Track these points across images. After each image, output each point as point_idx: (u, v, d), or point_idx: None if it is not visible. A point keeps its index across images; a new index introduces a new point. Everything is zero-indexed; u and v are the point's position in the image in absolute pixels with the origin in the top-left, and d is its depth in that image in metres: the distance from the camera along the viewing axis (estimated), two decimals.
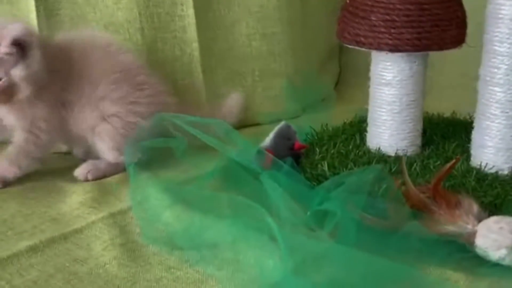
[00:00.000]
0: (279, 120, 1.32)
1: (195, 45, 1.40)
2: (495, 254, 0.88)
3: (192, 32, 1.39)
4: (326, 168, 1.10)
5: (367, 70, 1.18)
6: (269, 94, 1.50)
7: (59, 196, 1.10)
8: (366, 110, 1.22)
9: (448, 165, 1.03)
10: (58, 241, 0.97)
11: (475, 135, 1.11)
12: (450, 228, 0.92)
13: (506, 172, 1.07)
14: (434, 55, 1.14)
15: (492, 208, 0.97)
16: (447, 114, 1.34)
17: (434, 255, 0.89)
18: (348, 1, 1.13)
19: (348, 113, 1.39)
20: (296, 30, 1.53)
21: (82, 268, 0.91)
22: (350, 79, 1.70)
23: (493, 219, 0.92)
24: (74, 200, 1.08)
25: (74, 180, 1.16)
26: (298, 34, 1.54)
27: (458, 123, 1.27)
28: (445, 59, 1.31)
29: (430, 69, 1.39)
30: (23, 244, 0.95)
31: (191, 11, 1.38)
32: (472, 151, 1.12)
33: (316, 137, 1.24)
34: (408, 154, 1.15)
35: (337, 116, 1.39)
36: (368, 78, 1.18)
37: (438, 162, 1.10)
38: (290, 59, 1.52)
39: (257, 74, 1.49)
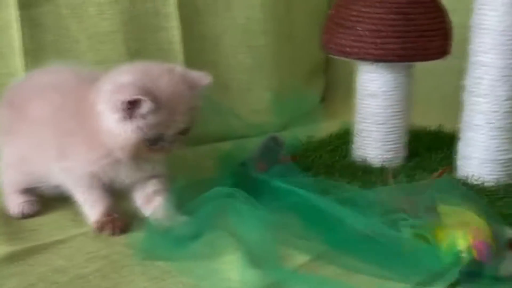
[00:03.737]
0: (264, 133, 1.32)
1: (180, 57, 1.39)
2: None
3: (177, 44, 1.39)
4: None
5: (353, 84, 1.19)
6: (255, 107, 1.49)
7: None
8: (351, 123, 1.22)
9: (436, 174, 1.03)
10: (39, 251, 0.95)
11: (460, 146, 1.11)
12: None
13: (492, 183, 1.07)
14: (422, 68, 1.14)
15: None
16: (434, 127, 1.34)
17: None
18: (333, 12, 1.14)
19: (334, 126, 1.39)
20: (281, 43, 1.53)
21: (63, 278, 0.89)
22: (335, 93, 1.70)
23: None
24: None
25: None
26: (284, 47, 1.54)
27: (444, 136, 1.28)
28: (433, 71, 1.31)
29: (419, 82, 1.40)
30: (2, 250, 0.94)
31: (176, 23, 1.38)
32: (458, 163, 1.12)
33: (301, 149, 1.24)
34: (393, 165, 1.14)
35: (322, 129, 1.39)
36: (353, 92, 1.18)
37: (424, 173, 1.10)
38: (276, 71, 1.52)
39: (243, 86, 1.48)
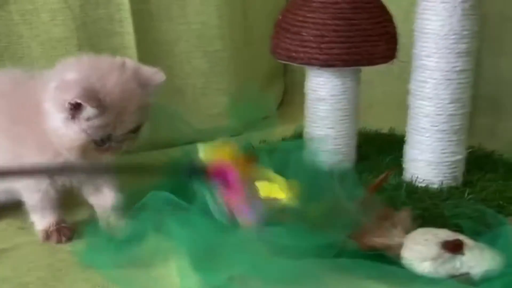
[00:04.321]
0: (220, 138, 1.32)
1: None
2: (420, 266, 0.88)
3: (131, 49, 1.38)
4: None
5: None
6: (210, 112, 1.49)
7: None
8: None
9: (380, 178, 1.04)
10: None
11: (407, 149, 1.12)
12: (378, 240, 0.92)
13: (436, 185, 1.08)
14: (376, 72, 1.15)
15: (420, 221, 0.97)
16: (386, 130, 1.35)
17: (360, 267, 0.88)
18: (280, 17, 1.14)
19: (290, 130, 1.40)
20: (238, 48, 1.53)
21: (4, 287, 0.89)
22: (295, 98, 1.71)
23: (420, 231, 0.92)
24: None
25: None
26: (240, 52, 1.55)
27: (394, 139, 1.28)
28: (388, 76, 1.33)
29: (371, 86, 1.42)
30: None
31: (130, 29, 1.37)
32: (405, 165, 1.13)
33: (253, 154, 1.24)
34: (343, 168, 1.15)
35: (279, 133, 1.39)
36: None
37: (371, 176, 1.10)
38: (233, 76, 1.52)
39: (199, 91, 1.48)
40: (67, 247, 0.99)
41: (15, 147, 0.98)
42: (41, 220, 1.01)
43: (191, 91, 1.47)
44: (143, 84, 0.95)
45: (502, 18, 1.36)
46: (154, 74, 0.97)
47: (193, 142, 1.34)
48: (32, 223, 1.02)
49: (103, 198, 1.02)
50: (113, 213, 1.00)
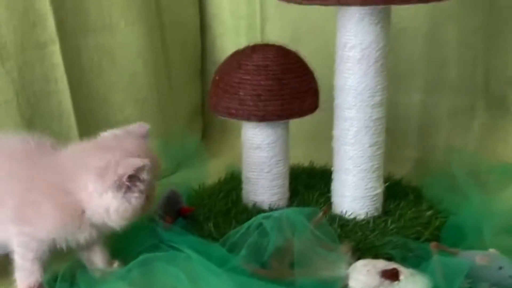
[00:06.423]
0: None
1: (72, 117, 1.47)
2: None
3: (67, 105, 1.46)
4: (212, 228, 1.22)
5: (228, 124, 1.35)
6: None
7: None
8: (234, 166, 1.37)
9: (319, 215, 1.19)
10: None
11: (334, 186, 1.30)
12: (326, 273, 1.08)
13: (362, 216, 1.26)
14: None
15: (356, 251, 1.14)
16: (306, 164, 1.52)
17: None
18: (217, 78, 1.28)
19: (217, 166, 1.54)
20: (163, 93, 1.65)
21: None
22: (214, 134, 1.84)
23: (361, 262, 1.07)
24: None
25: None
26: (165, 96, 1.66)
27: (317, 173, 1.45)
28: None
29: None
30: None
31: (65, 86, 1.45)
32: (333, 200, 1.30)
33: (196, 198, 1.37)
34: (280, 206, 1.31)
35: (209, 171, 1.52)
36: (231, 131, 1.32)
37: None
38: (161, 120, 1.63)
39: None
40: None
41: (23, 207, 1.03)
42: (24, 279, 1.06)
43: None
44: (142, 138, 1.09)
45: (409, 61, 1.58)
46: (140, 127, 1.11)
47: None
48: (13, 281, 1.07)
49: (93, 254, 1.12)
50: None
